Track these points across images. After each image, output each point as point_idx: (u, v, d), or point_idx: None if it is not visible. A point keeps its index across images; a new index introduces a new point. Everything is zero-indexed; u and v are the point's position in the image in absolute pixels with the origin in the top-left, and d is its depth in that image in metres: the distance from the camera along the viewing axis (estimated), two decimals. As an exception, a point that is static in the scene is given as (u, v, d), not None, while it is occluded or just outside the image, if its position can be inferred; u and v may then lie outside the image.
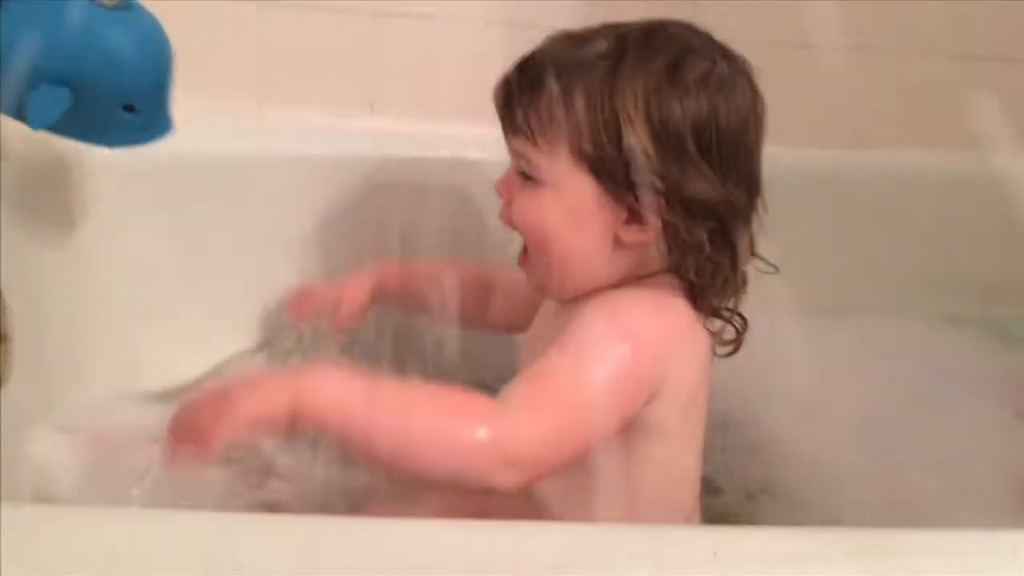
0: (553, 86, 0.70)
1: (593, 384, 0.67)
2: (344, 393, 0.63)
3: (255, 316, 1.09)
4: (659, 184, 0.69)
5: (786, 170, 1.16)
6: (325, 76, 1.09)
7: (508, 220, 0.76)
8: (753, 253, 0.77)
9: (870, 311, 1.21)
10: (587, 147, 0.70)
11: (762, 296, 1.18)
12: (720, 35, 1.09)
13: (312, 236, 1.08)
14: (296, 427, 0.62)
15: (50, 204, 0.91)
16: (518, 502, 0.73)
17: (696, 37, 0.74)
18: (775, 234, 1.17)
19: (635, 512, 0.73)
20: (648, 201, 0.69)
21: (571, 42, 0.72)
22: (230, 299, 1.06)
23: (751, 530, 0.61)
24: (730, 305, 0.76)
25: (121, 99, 0.72)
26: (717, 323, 0.76)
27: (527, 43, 0.83)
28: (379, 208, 1.08)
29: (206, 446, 0.62)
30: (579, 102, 0.70)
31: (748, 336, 0.78)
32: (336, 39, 1.08)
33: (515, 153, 0.74)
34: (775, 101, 1.17)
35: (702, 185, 0.69)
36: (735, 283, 0.75)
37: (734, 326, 0.76)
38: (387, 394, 0.64)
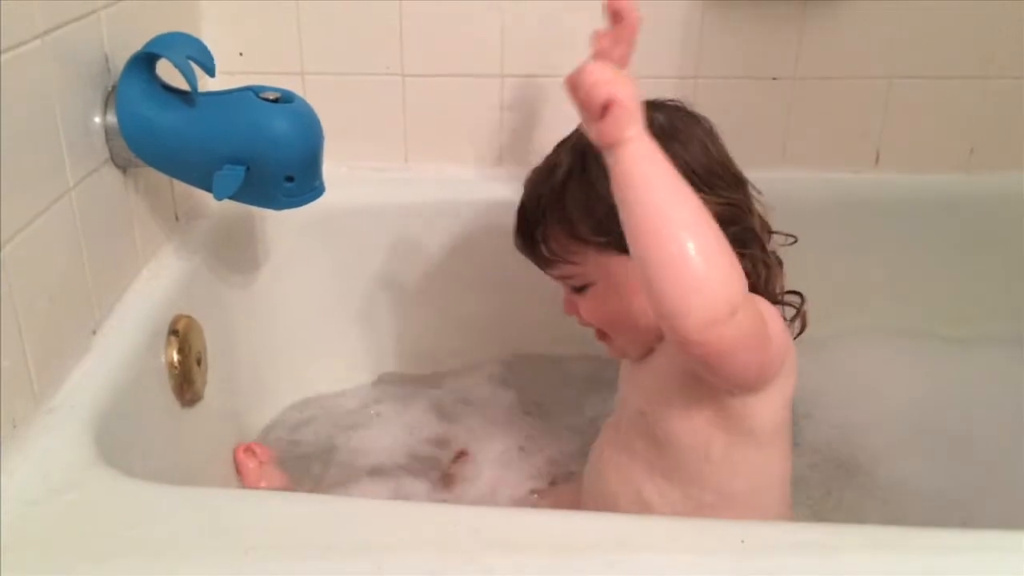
0: (551, 217, 0.81)
1: (775, 325, 0.74)
2: (668, 171, 0.66)
3: (403, 341, 1.22)
4: None
5: (904, 193, 1.19)
6: (459, 133, 1.19)
7: (586, 325, 0.86)
8: (769, 231, 0.84)
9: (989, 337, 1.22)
10: (603, 237, 0.79)
11: (889, 324, 1.15)
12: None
13: (453, 269, 1.18)
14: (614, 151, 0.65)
15: (235, 253, 1.06)
16: (628, 502, 0.84)
17: None
18: (895, 259, 1.17)
19: (729, 513, 0.80)
20: None
21: (542, 177, 0.83)
22: (381, 325, 1.20)
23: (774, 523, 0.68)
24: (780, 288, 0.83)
25: (283, 172, 0.83)
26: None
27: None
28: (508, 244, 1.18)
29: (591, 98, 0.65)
30: (576, 214, 0.80)
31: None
32: (468, 100, 1.18)
33: (559, 279, 0.85)
34: (888, 128, 1.20)
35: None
36: (772, 263, 0.81)
37: (792, 305, 0.82)
38: (692, 199, 0.66)
